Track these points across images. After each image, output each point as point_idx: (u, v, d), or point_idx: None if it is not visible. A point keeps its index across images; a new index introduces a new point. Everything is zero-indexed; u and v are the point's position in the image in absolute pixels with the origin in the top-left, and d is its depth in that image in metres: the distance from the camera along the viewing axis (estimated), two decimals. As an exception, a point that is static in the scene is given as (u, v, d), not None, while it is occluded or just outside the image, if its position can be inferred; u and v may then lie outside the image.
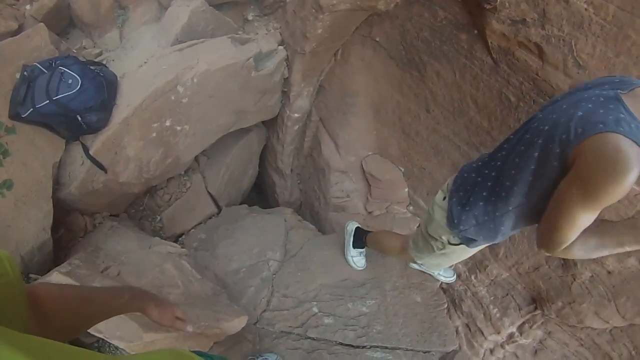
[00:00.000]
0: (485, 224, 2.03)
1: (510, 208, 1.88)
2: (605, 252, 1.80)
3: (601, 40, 2.27)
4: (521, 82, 2.79)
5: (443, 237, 2.31)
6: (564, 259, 2.90)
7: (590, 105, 1.55)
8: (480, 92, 3.16)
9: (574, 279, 2.83)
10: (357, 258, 3.63)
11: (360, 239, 3.52)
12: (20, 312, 0.85)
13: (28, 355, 0.54)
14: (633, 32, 2.15)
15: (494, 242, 2.17)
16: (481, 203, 2.01)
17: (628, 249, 1.81)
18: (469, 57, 3.12)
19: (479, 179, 2.05)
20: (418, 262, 2.82)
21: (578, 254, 1.74)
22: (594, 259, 2.69)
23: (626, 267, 2.60)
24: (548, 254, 1.80)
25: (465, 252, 2.37)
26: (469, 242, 2.18)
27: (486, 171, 2.01)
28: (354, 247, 3.60)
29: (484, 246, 2.32)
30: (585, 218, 1.57)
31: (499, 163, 1.94)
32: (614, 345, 2.89)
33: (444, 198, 2.28)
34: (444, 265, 2.61)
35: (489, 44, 2.87)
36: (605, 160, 1.42)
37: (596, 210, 1.54)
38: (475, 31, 2.97)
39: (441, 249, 2.41)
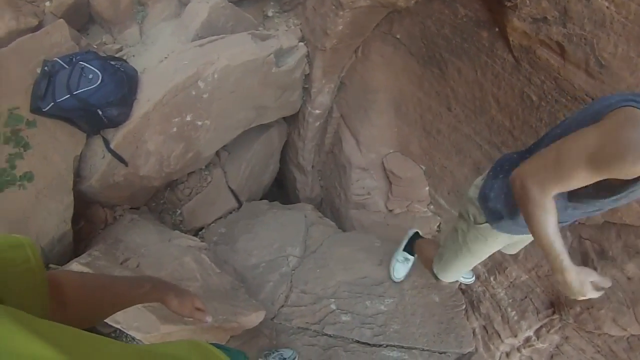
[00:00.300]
0: (500, 196, 1.99)
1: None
2: (546, 247, 1.67)
3: (623, 39, 2.21)
4: (543, 81, 2.74)
5: (470, 214, 2.22)
6: (584, 263, 2.85)
7: (618, 94, 1.51)
8: (502, 91, 3.11)
9: (593, 284, 2.78)
10: (399, 265, 3.52)
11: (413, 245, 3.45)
12: (40, 299, 0.85)
13: (44, 340, 0.54)
14: (655, 31, 2.10)
15: (517, 224, 2.01)
16: (508, 165, 1.99)
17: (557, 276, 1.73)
18: (490, 55, 3.07)
19: (516, 156, 2.01)
20: (439, 277, 2.75)
21: (535, 215, 1.63)
22: (614, 264, 2.65)
23: (646, 274, 2.56)
24: (514, 188, 1.67)
25: (486, 245, 2.27)
26: (494, 219, 2.09)
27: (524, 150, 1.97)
28: (404, 249, 3.52)
29: (506, 236, 2.17)
30: (583, 173, 1.47)
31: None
32: (630, 353, 2.82)
33: (482, 179, 2.22)
34: (462, 268, 2.53)
35: (510, 42, 2.82)
36: (633, 129, 1.35)
37: (601, 172, 1.43)
38: (497, 29, 2.92)
39: (465, 236, 2.33)
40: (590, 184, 1.51)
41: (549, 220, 1.61)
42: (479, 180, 2.24)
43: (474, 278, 3.52)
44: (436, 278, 2.83)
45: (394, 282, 3.54)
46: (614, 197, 1.57)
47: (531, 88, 2.85)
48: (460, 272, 2.63)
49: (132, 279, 1.37)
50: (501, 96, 3.13)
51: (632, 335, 2.75)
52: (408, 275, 3.57)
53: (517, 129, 3.12)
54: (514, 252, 2.69)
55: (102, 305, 1.19)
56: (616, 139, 1.37)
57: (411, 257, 3.49)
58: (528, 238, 2.36)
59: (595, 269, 2.74)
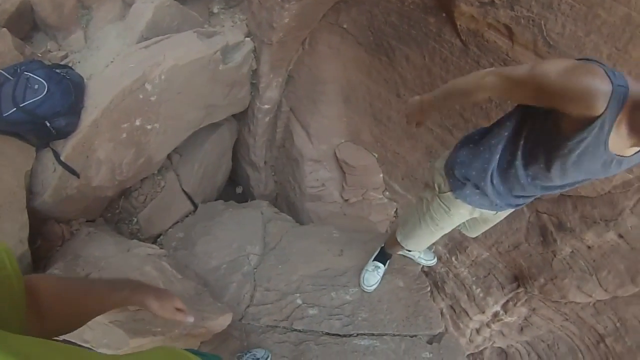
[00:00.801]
0: (479, 154, 1.97)
1: (505, 134, 1.84)
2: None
3: (571, 19, 2.29)
4: (492, 64, 2.81)
5: (435, 183, 2.24)
6: (543, 237, 2.95)
7: None
8: (451, 75, 3.16)
9: (555, 255, 2.89)
10: (368, 274, 3.47)
11: (384, 252, 3.42)
12: (17, 307, 0.83)
13: (16, 357, 0.52)
14: (602, 11, 2.17)
15: (479, 195, 2.06)
16: (478, 136, 2.02)
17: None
18: (438, 40, 3.12)
19: (485, 130, 2.02)
20: (402, 244, 2.74)
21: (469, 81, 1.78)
22: (573, 235, 2.76)
23: (605, 242, 2.66)
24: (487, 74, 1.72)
25: (448, 216, 2.26)
26: (457, 187, 2.10)
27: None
28: (374, 259, 3.49)
29: (468, 208, 2.18)
30: (531, 85, 1.56)
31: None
32: (598, 318, 2.95)
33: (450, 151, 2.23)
34: (424, 237, 2.54)
35: (458, 26, 2.87)
36: (591, 75, 1.44)
37: (545, 91, 1.53)
38: (444, 14, 2.97)
39: (428, 205, 2.34)
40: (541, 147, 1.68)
41: (464, 83, 1.81)
42: (446, 153, 2.26)
43: (435, 260, 3.59)
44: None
45: (365, 292, 3.49)
46: (562, 154, 1.61)
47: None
48: (421, 241, 2.59)
49: (112, 282, 1.32)
50: (450, 80, 3.17)
51: (597, 300, 2.88)
52: (379, 285, 3.51)
53: (467, 110, 3.19)
54: (473, 234, 2.68)
55: (81, 310, 1.16)
56: (574, 74, 1.46)
57: (382, 266, 3.46)
58: (487, 218, 2.39)
59: (554, 240, 2.86)
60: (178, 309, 1.42)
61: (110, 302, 1.24)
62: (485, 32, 2.73)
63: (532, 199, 2.16)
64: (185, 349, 1.45)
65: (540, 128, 1.69)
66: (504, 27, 2.60)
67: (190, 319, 1.45)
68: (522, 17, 2.47)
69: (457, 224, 2.41)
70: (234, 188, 5.39)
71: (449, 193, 2.17)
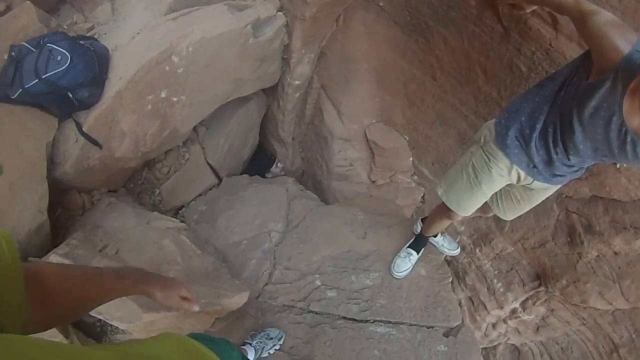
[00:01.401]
0: (531, 100, 2.07)
1: (547, 93, 1.99)
2: None
3: (619, 13, 2.15)
4: (533, 52, 2.66)
5: (482, 136, 2.31)
6: (570, 237, 2.84)
7: None
8: (490, 61, 3.02)
9: (580, 258, 2.79)
10: (400, 260, 3.44)
11: (421, 239, 3.41)
12: (16, 298, 0.80)
13: None
14: (653, 5, 2.03)
15: (524, 140, 2.10)
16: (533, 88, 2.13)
17: None
18: (478, 24, 2.97)
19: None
20: (442, 198, 2.65)
21: None
22: (601, 239, 2.65)
23: (633, 250, 2.56)
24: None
25: (488, 168, 2.27)
26: (502, 135, 2.16)
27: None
28: (408, 246, 3.47)
29: (505, 168, 2.22)
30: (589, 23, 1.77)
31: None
32: (615, 326, 2.87)
33: None
34: (465, 196, 2.46)
35: (500, 10, 2.72)
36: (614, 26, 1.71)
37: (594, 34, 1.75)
38: (486, 0, 2.82)
39: (472, 156, 2.36)
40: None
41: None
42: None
43: (458, 250, 3.50)
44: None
45: (395, 278, 3.45)
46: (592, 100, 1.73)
47: (521, 59, 2.77)
48: (461, 198, 2.51)
49: (117, 270, 1.32)
50: (489, 66, 3.05)
51: (617, 309, 2.78)
52: (409, 273, 3.47)
53: (504, 100, 3.05)
54: (507, 216, 2.59)
55: (85, 299, 1.14)
56: (611, 25, 1.72)
57: (415, 253, 3.42)
58: (523, 195, 2.40)
59: (582, 242, 2.75)
60: (184, 298, 1.42)
61: (114, 291, 1.23)
62: (528, 19, 2.58)
63: (566, 178, 2.20)
64: (194, 334, 1.44)
65: (577, 81, 1.85)
66: (549, 15, 2.46)
67: (196, 308, 1.45)
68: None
69: (494, 187, 2.35)
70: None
71: (491, 142, 2.22)
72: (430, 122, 3.80)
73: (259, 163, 5.16)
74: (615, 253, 2.63)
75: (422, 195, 4.17)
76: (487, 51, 3.00)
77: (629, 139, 1.68)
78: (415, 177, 4.19)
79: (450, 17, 3.13)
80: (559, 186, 2.28)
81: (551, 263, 2.98)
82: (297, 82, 4.34)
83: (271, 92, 4.75)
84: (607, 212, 2.64)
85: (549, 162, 2.06)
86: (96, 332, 3.16)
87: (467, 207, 2.50)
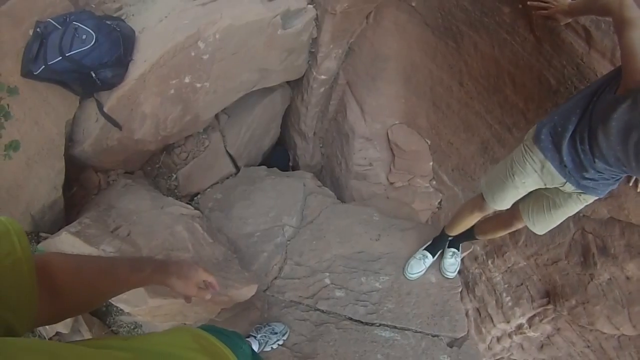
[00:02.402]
0: (566, 104, 2.13)
1: (581, 98, 2.04)
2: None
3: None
4: (564, 66, 2.59)
5: (527, 134, 2.32)
6: (584, 257, 2.78)
7: None
8: (519, 71, 2.96)
9: (592, 279, 2.74)
10: (415, 261, 3.43)
11: (440, 241, 3.39)
12: (28, 293, 0.79)
13: None
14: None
15: (558, 138, 2.12)
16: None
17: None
18: (511, 32, 2.90)
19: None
20: (482, 188, 2.67)
21: None
22: (615, 262, 2.62)
23: (646, 275, 2.49)
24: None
25: (524, 160, 2.29)
26: (539, 130, 2.20)
27: None
28: (425, 248, 3.46)
29: (538, 163, 2.23)
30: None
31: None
32: (620, 352, 2.82)
33: None
34: (498, 184, 2.48)
35: (533, 20, 2.66)
36: None
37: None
38: (520, 5, 2.75)
39: (514, 152, 2.39)
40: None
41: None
42: None
43: (454, 276, 3.47)
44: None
45: (407, 279, 3.43)
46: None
47: (550, 71, 2.71)
48: (494, 185, 2.53)
49: (133, 261, 1.30)
50: (518, 76, 2.99)
51: (623, 334, 2.73)
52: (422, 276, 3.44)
53: (531, 111, 2.99)
54: (538, 228, 2.53)
55: (99, 291, 1.15)
56: None
57: (430, 256, 3.39)
58: (555, 201, 2.38)
59: (595, 264, 2.70)
60: (204, 281, 1.41)
61: (129, 283, 1.21)
62: (562, 31, 2.51)
63: (598, 187, 2.17)
64: (206, 326, 1.43)
65: (607, 92, 1.89)
66: (583, 29, 2.39)
67: (208, 296, 1.44)
68: (603, 21, 2.29)
69: (526, 181, 2.34)
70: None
71: (531, 138, 2.25)
72: (454, 128, 3.73)
73: (275, 156, 5.14)
74: (628, 278, 2.57)
75: (439, 201, 4.11)
76: (517, 60, 2.93)
77: None
78: (434, 182, 4.13)
79: (483, 23, 3.07)
80: (593, 198, 2.25)
81: (562, 281, 2.92)
82: (322, 77, 4.31)
83: (296, 85, 4.74)
84: (624, 235, 2.57)
85: (579, 162, 2.07)
86: (101, 311, 3.19)
87: (498, 199, 2.51)
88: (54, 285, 0.95)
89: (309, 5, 3.77)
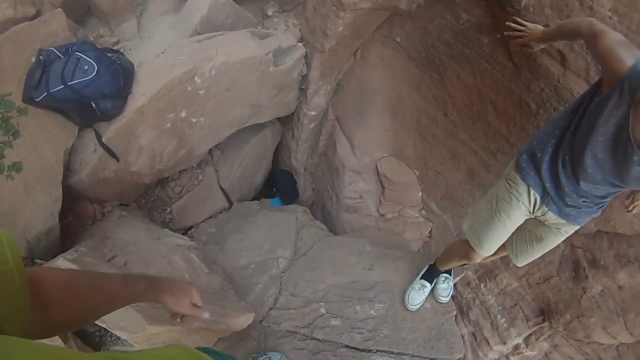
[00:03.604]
0: (545, 127, 2.18)
1: (558, 119, 2.11)
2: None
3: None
4: (542, 89, 2.73)
5: (508, 166, 2.39)
6: (575, 272, 2.85)
7: None
8: (501, 97, 3.10)
9: (584, 292, 2.79)
10: (414, 292, 3.43)
11: (434, 270, 3.40)
12: (19, 303, 0.80)
13: None
14: (661, 39, 2.10)
15: (538, 162, 2.16)
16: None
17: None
18: (491, 61, 3.06)
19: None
20: (464, 224, 2.67)
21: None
22: (606, 273, 2.68)
23: (637, 283, 2.57)
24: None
25: (508, 197, 2.31)
26: (519, 159, 2.25)
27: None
28: (421, 277, 3.46)
29: (524, 194, 2.26)
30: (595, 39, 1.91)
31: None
32: None
33: None
34: (484, 223, 2.46)
35: (511, 48, 2.82)
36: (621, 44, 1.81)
37: (603, 49, 1.85)
38: (498, 35, 2.91)
39: (496, 189, 2.42)
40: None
41: (570, 27, 2.12)
42: None
43: (447, 300, 3.50)
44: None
45: (409, 310, 3.43)
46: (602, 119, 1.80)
47: (530, 95, 2.85)
48: (479, 225, 2.52)
49: (126, 277, 1.28)
50: (499, 102, 3.13)
51: (621, 343, 2.76)
52: (422, 305, 3.45)
53: (513, 135, 3.11)
54: (520, 260, 2.56)
55: (92, 307, 1.12)
56: (618, 44, 1.81)
57: (428, 285, 3.41)
58: (540, 234, 2.39)
59: (586, 277, 2.76)
60: (195, 305, 1.40)
61: (122, 299, 1.21)
62: (538, 56, 2.66)
63: (580, 215, 2.20)
64: (200, 348, 1.42)
65: (589, 105, 1.93)
66: (557, 53, 2.53)
67: (206, 315, 1.44)
68: (576, 43, 2.41)
69: (513, 217, 2.35)
70: (271, 190, 5.38)
71: (512, 169, 2.31)
72: (440, 157, 3.85)
73: (280, 179, 5.14)
74: (620, 287, 2.63)
75: (429, 230, 4.19)
76: (498, 88, 3.08)
77: (635, 159, 1.71)
78: (424, 211, 4.22)
79: (464, 54, 3.23)
80: (573, 229, 2.28)
81: (555, 298, 2.97)
82: (312, 113, 4.42)
83: (286, 121, 4.84)
84: (612, 246, 2.65)
85: (559, 187, 2.09)
86: (95, 342, 3.15)
87: (485, 242, 2.50)
88: (45, 299, 0.94)
89: (299, 43, 3.93)
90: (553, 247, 2.41)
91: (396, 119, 4.11)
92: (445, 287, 3.44)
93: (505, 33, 2.63)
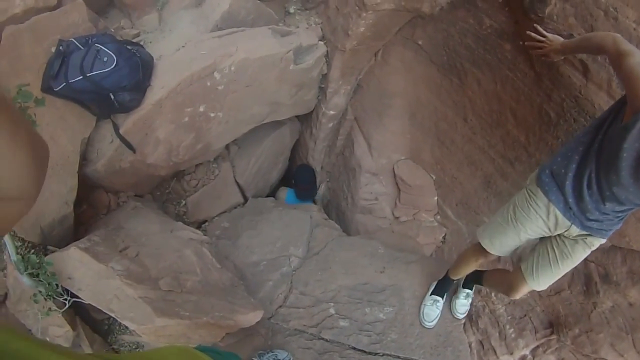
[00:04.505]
0: (568, 144, 2.18)
1: (582, 135, 2.09)
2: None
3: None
4: (563, 99, 2.69)
5: (529, 178, 2.39)
6: (587, 286, 2.80)
7: None
8: (521, 105, 3.06)
9: (595, 307, 2.76)
10: (427, 309, 3.40)
11: (444, 283, 3.39)
12: None
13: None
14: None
15: (560, 179, 2.15)
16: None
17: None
18: (512, 69, 3.02)
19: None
20: (479, 232, 2.66)
21: None
22: (617, 289, 2.64)
23: (648, 300, 2.52)
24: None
25: (527, 206, 2.31)
26: (541, 172, 2.25)
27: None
28: (431, 293, 3.44)
29: (543, 207, 2.24)
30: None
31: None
32: None
33: None
34: (500, 230, 2.46)
35: (533, 56, 2.77)
36: None
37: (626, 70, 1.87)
38: (521, 42, 2.86)
39: (515, 197, 2.42)
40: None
41: (594, 41, 2.13)
42: None
43: (462, 317, 3.46)
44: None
45: (426, 328, 3.39)
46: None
47: (550, 105, 2.80)
48: (495, 232, 2.51)
49: None
50: (519, 111, 3.09)
51: (627, 361, 2.72)
52: (439, 319, 3.41)
53: (532, 145, 3.07)
54: (537, 283, 2.46)
55: None
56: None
57: (440, 299, 3.39)
58: (562, 250, 2.35)
59: (597, 292, 2.73)
60: None
61: None
62: (560, 65, 2.62)
63: (603, 229, 2.19)
64: (202, 346, 1.42)
65: (613, 124, 1.92)
66: (580, 63, 2.49)
67: None
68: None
69: (529, 228, 2.34)
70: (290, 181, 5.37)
71: (534, 181, 2.29)
72: (458, 163, 3.81)
73: (300, 173, 5.10)
74: (630, 304, 2.59)
75: (443, 235, 4.16)
76: (519, 95, 3.04)
77: None
78: (439, 216, 4.19)
79: (486, 60, 3.19)
80: (599, 242, 2.26)
81: (565, 311, 2.93)
82: (331, 112, 4.42)
83: (305, 120, 4.84)
84: (625, 262, 2.62)
85: (582, 203, 2.08)
86: (103, 330, 3.20)
87: (497, 244, 2.50)
88: None
89: (320, 42, 3.92)
90: (579, 262, 2.36)
91: (415, 122, 4.08)
92: (464, 303, 3.40)
93: (525, 43, 2.61)
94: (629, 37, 2.19)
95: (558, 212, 2.18)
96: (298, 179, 5.00)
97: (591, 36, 2.19)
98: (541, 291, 3.06)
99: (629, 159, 1.75)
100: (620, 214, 2.10)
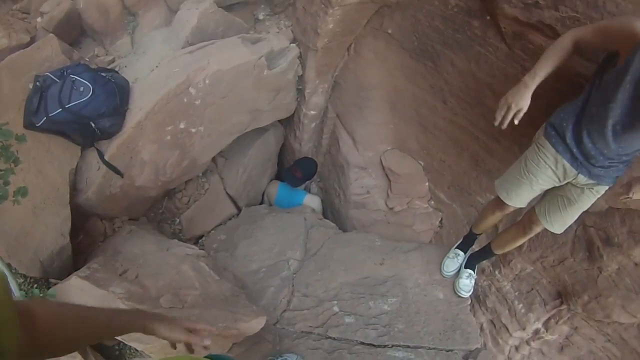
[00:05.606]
0: (570, 101, 2.31)
1: (581, 93, 2.23)
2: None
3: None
4: (537, 68, 2.69)
5: (537, 133, 2.48)
6: (589, 252, 2.81)
7: None
8: (497, 80, 3.07)
9: (600, 272, 2.73)
10: (449, 260, 3.57)
11: (468, 238, 3.51)
12: (10, 334, 0.83)
13: None
14: (650, 9, 2.07)
15: (563, 132, 2.27)
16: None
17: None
18: (483, 45, 3.04)
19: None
20: (496, 185, 2.76)
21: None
22: (620, 251, 2.63)
23: (654, 259, 2.51)
24: None
25: (537, 157, 2.43)
26: (547, 126, 2.38)
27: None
28: (456, 247, 3.59)
29: (551, 157, 2.36)
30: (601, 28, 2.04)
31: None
32: None
33: None
34: (513, 182, 2.61)
35: (502, 29, 2.79)
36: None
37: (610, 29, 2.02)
38: (488, 17, 2.89)
39: (526, 151, 2.54)
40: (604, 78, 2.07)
41: (552, 48, 2.19)
42: None
43: (468, 295, 3.51)
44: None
45: (444, 277, 3.58)
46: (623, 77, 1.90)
47: (525, 75, 2.81)
48: (509, 183, 2.65)
49: (113, 310, 1.32)
50: (496, 85, 3.10)
51: (642, 321, 2.71)
52: (456, 272, 3.56)
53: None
54: (554, 225, 2.59)
55: (79, 336, 1.18)
56: (626, 19, 1.95)
57: (462, 253, 3.52)
58: (569, 196, 2.48)
59: (601, 256, 2.71)
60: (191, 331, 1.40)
61: (110, 329, 1.26)
62: (530, 34, 2.64)
63: (609, 174, 2.29)
64: (212, 355, 1.44)
65: (604, 76, 2.07)
66: (549, 29, 2.51)
67: (207, 342, 1.44)
68: (567, 17, 2.39)
69: (541, 177, 2.47)
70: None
71: (542, 135, 2.41)
72: (443, 146, 3.83)
73: (305, 165, 5.07)
74: (636, 264, 2.57)
75: (439, 219, 4.16)
76: (493, 70, 3.05)
77: None
78: (432, 202, 4.19)
79: (456, 39, 3.21)
80: (604, 189, 2.35)
81: (571, 280, 2.91)
82: (312, 112, 4.43)
83: (288, 123, 4.86)
84: (625, 222, 2.61)
85: (585, 152, 2.21)
86: (114, 355, 3.20)
87: (513, 195, 2.63)
88: (34, 329, 0.99)
89: (292, 44, 3.94)
90: (586, 208, 2.47)
91: (396, 111, 4.09)
92: (467, 283, 3.45)
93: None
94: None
95: (566, 162, 2.32)
96: (302, 167, 5.01)
97: (548, 50, 2.23)
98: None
99: (630, 89, 1.89)
100: (624, 159, 2.22)
